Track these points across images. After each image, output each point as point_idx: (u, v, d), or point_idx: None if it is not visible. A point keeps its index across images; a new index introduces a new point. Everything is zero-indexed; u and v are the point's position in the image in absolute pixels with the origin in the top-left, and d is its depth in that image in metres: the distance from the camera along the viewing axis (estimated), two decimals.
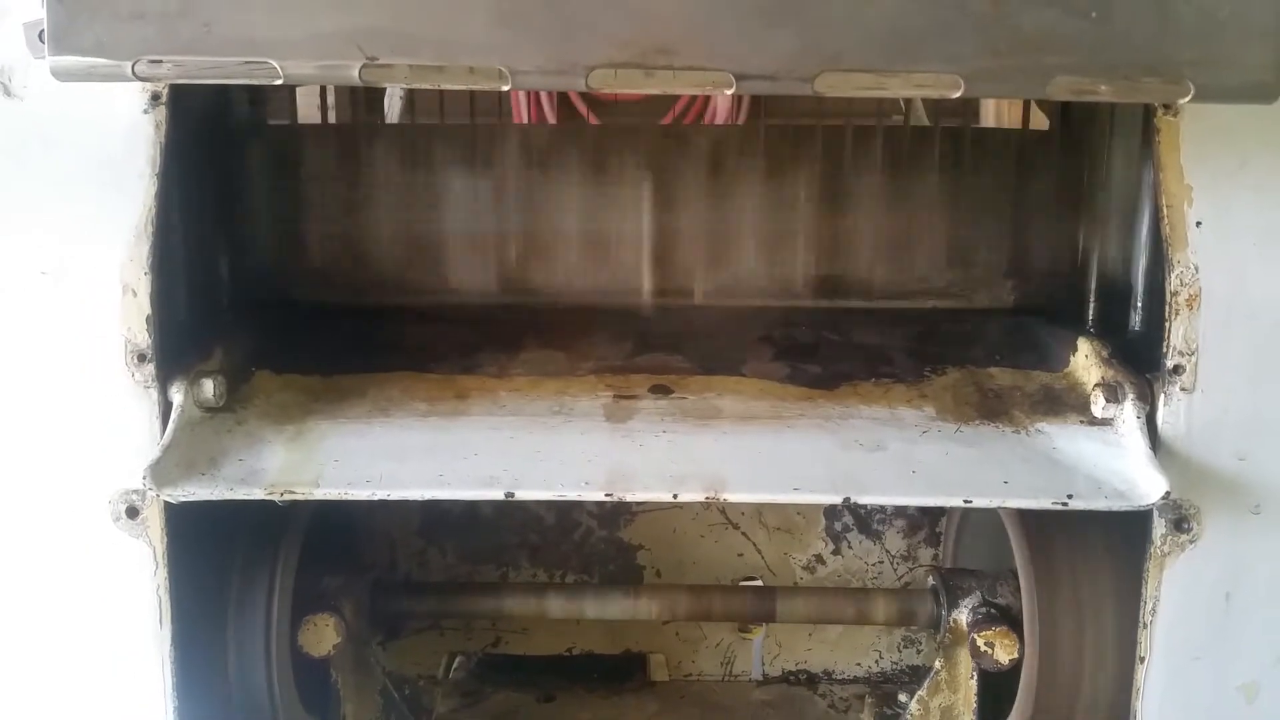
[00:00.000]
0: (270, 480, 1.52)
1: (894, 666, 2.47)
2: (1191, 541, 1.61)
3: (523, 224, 1.92)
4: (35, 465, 1.60)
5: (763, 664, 2.45)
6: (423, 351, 1.84)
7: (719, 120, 2.59)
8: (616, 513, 2.40)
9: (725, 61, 1.34)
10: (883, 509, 2.41)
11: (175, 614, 1.61)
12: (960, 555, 2.32)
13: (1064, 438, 1.63)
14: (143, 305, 1.55)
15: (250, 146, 1.89)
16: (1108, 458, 1.58)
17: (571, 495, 1.53)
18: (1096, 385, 1.65)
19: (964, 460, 1.60)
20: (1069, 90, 1.36)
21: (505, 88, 1.34)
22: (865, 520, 2.42)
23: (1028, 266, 1.89)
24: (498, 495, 1.51)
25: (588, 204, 1.94)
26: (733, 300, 1.97)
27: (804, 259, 1.93)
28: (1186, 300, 1.58)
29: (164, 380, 1.58)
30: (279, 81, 1.34)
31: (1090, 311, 1.86)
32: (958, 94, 1.35)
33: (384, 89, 1.99)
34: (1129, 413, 1.60)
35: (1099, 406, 1.63)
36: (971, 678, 1.84)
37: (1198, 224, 1.58)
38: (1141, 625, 1.63)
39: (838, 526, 2.42)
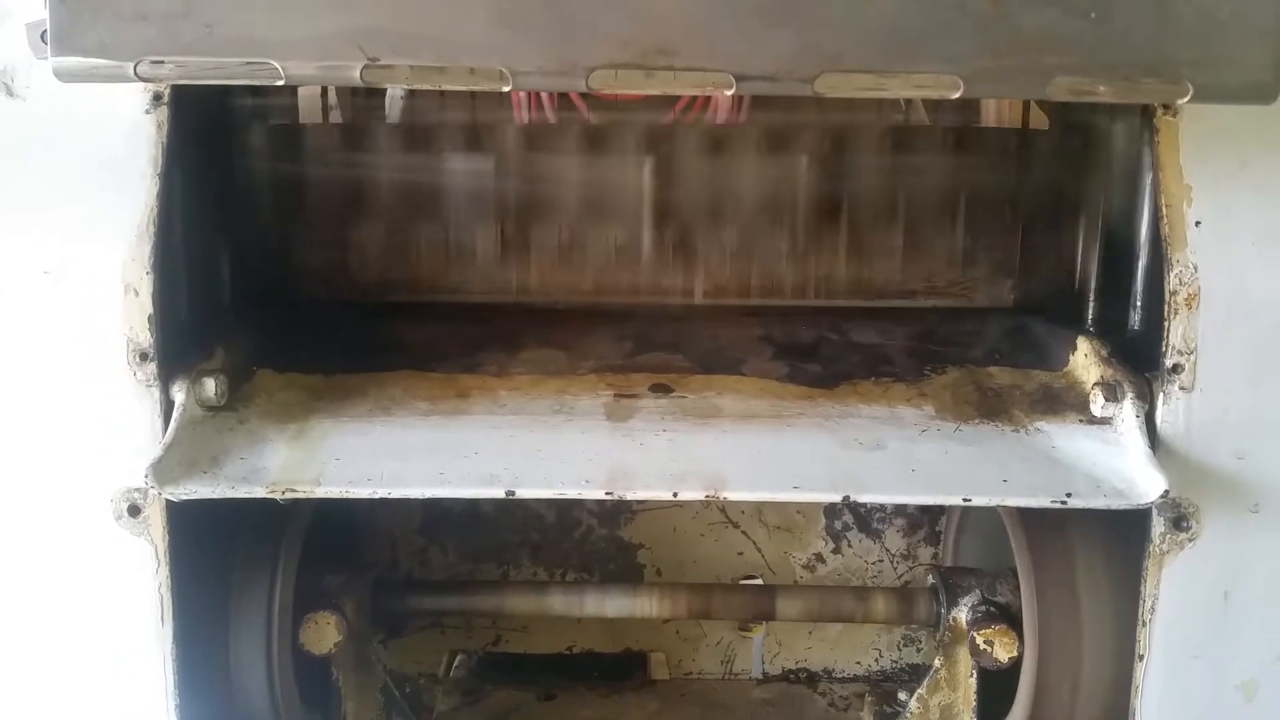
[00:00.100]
0: (272, 478, 1.52)
1: (894, 665, 2.47)
2: (1190, 540, 1.61)
3: (523, 225, 1.92)
4: (37, 464, 1.60)
5: (763, 662, 2.46)
6: (424, 350, 1.85)
7: (720, 120, 2.59)
8: (617, 511, 2.41)
9: (725, 62, 1.35)
10: (882, 508, 2.41)
11: (177, 612, 1.61)
12: (960, 554, 2.33)
13: (1063, 436, 1.64)
14: (144, 304, 1.56)
15: (251, 146, 1.89)
16: (1107, 456, 1.58)
17: (572, 493, 1.54)
18: (1096, 384, 1.65)
19: (963, 459, 1.60)
20: (1068, 91, 1.36)
21: (506, 88, 1.35)
22: (865, 519, 2.43)
23: (1027, 266, 1.89)
24: (498, 493, 1.52)
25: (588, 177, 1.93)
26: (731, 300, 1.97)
27: (802, 258, 1.93)
28: (1185, 300, 1.58)
29: (166, 379, 1.58)
30: (280, 82, 1.35)
31: (1089, 311, 1.87)
32: (957, 94, 1.35)
33: (385, 89, 1.99)
34: (1128, 412, 1.61)
35: (1098, 405, 1.63)
36: (971, 676, 1.84)
37: (1197, 224, 1.58)
38: (1140, 623, 1.63)
39: (838, 525, 2.43)
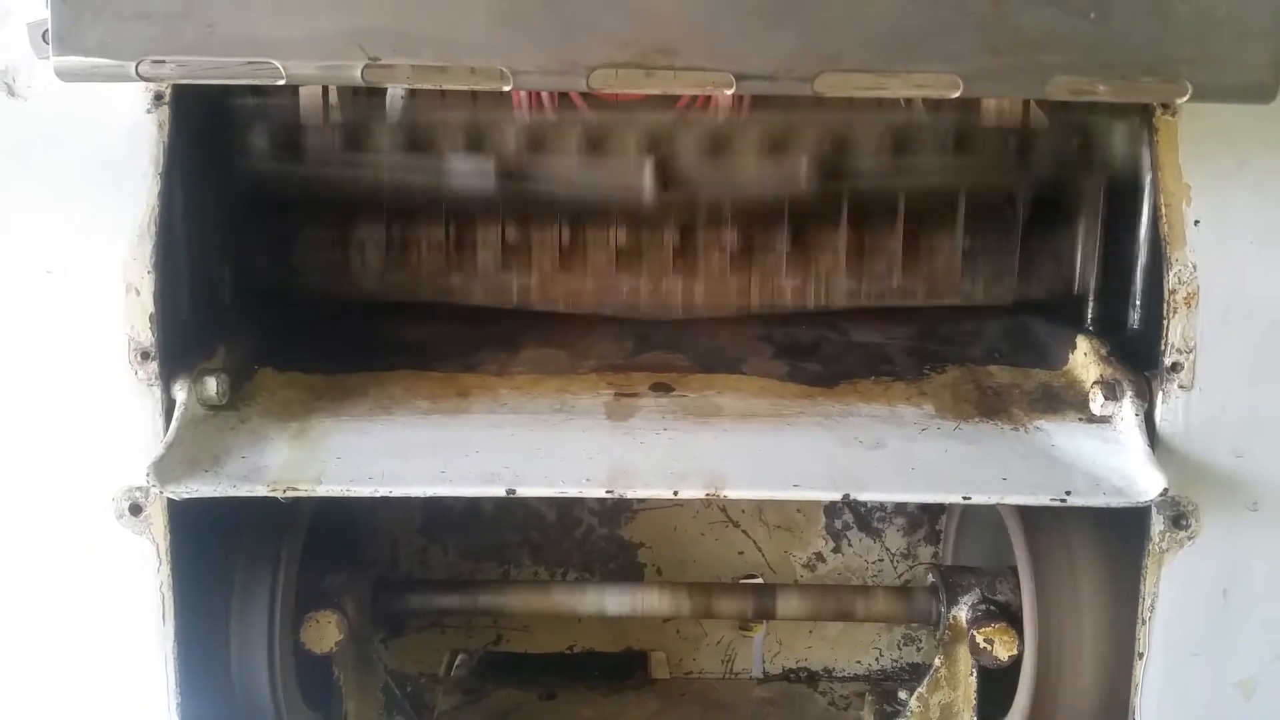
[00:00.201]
0: (273, 477, 1.53)
1: (894, 664, 2.48)
2: (1190, 538, 1.62)
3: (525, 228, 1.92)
4: (39, 463, 1.61)
5: (763, 661, 2.46)
6: (424, 350, 1.85)
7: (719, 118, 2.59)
8: (617, 510, 2.41)
9: (725, 61, 1.35)
10: (882, 506, 2.41)
11: (178, 611, 1.61)
12: (960, 553, 2.33)
13: (1062, 435, 1.64)
14: (146, 304, 1.56)
15: (252, 146, 1.89)
16: (1106, 455, 1.58)
17: (573, 492, 1.54)
18: (1095, 383, 1.66)
19: (963, 457, 1.61)
20: (1067, 90, 1.37)
21: (507, 88, 1.35)
22: (865, 518, 2.43)
23: (1026, 264, 1.89)
24: (499, 492, 1.52)
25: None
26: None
27: (803, 259, 1.92)
28: (1184, 298, 1.58)
29: (167, 378, 1.58)
30: (282, 82, 1.35)
31: (1089, 310, 1.87)
32: (957, 94, 1.35)
33: (386, 88, 1.99)
34: (1127, 410, 1.61)
35: (1097, 404, 1.64)
36: (971, 674, 1.84)
37: (1196, 223, 1.59)
38: (1140, 622, 1.64)
39: (838, 524, 2.43)
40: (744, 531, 2.42)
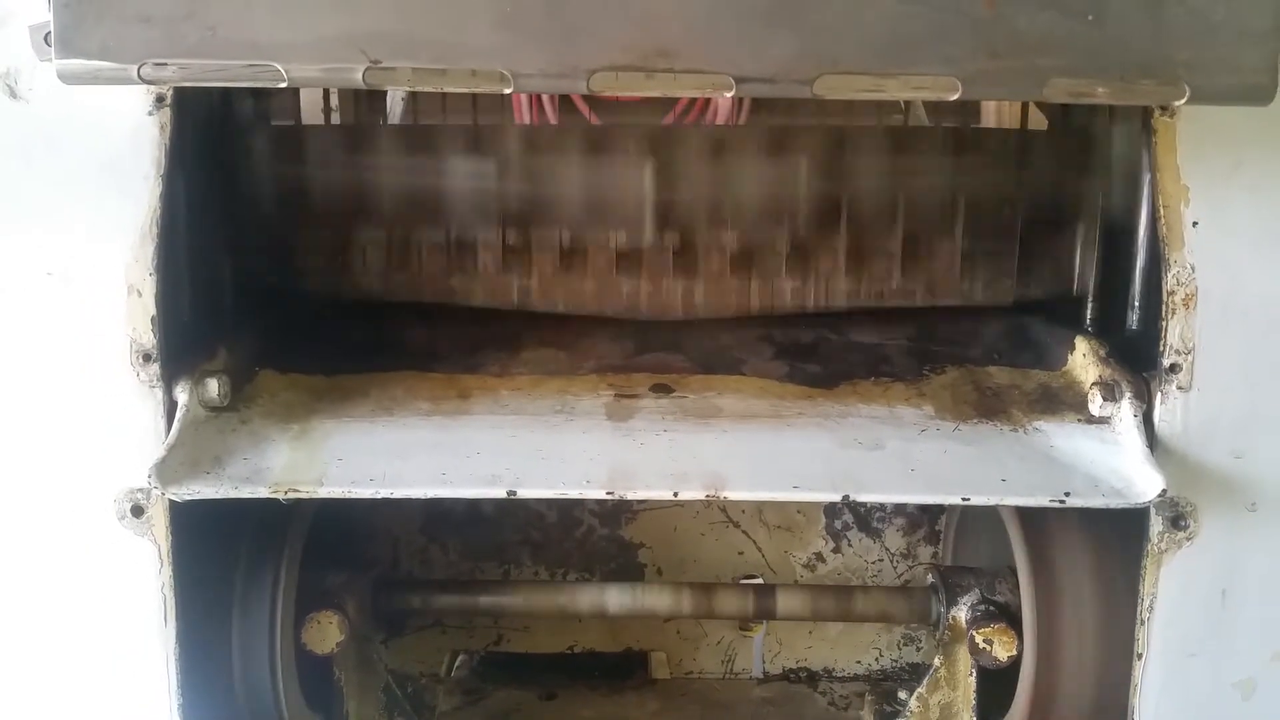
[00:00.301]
0: (274, 479, 1.53)
1: (894, 664, 2.48)
2: (1188, 539, 1.62)
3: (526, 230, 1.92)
4: (41, 464, 1.61)
5: (763, 662, 2.47)
6: (425, 351, 1.85)
7: (719, 121, 2.59)
8: (618, 511, 2.41)
9: (725, 64, 1.36)
10: (882, 507, 2.42)
11: (180, 612, 1.62)
12: (959, 553, 2.34)
13: (1061, 436, 1.64)
14: (147, 305, 1.56)
15: (253, 148, 1.90)
16: (1105, 456, 1.59)
17: (573, 493, 1.54)
18: (1094, 384, 1.66)
19: (962, 458, 1.61)
20: (1066, 92, 1.37)
21: (507, 90, 1.35)
22: (865, 518, 2.43)
23: (1026, 266, 1.90)
24: (500, 493, 1.53)
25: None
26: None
27: (802, 260, 1.93)
28: (1183, 300, 1.59)
29: (169, 380, 1.59)
30: (283, 84, 1.36)
31: (1088, 311, 1.87)
32: (955, 96, 1.36)
33: (387, 91, 1.99)
34: (1126, 411, 1.61)
35: (1096, 405, 1.64)
36: (970, 675, 1.85)
37: (1194, 224, 1.59)
38: (1139, 622, 1.64)
39: (838, 524, 2.43)
40: (744, 532, 2.43)
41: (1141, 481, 1.53)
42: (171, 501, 1.56)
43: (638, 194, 1.88)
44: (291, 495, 1.53)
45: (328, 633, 1.81)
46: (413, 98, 1.92)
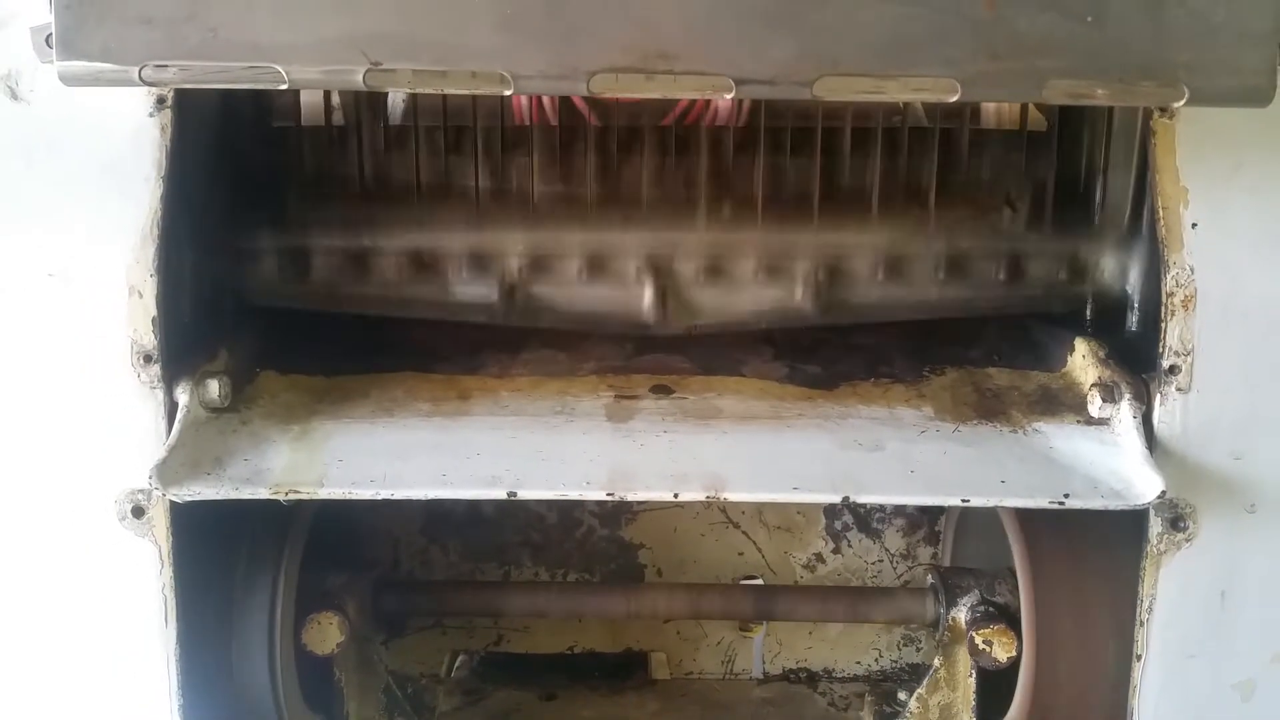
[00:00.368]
0: (275, 480, 1.53)
1: (893, 665, 2.48)
2: (1187, 540, 1.62)
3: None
4: (41, 465, 1.61)
5: (763, 662, 2.47)
6: (425, 352, 1.86)
7: (719, 122, 2.59)
8: (618, 512, 2.42)
9: (725, 66, 1.36)
10: (882, 508, 2.42)
11: (180, 612, 1.62)
12: (959, 553, 2.34)
13: (1061, 437, 1.65)
14: (148, 307, 1.57)
15: (254, 149, 1.90)
16: (1104, 457, 1.59)
17: (573, 494, 1.55)
18: (1093, 385, 1.66)
19: (962, 460, 1.61)
20: (1065, 94, 1.37)
21: (508, 92, 1.36)
22: (865, 519, 2.43)
23: (1025, 267, 1.90)
24: (500, 494, 1.53)
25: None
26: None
27: (801, 254, 1.92)
28: (1182, 301, 1.59)
29: (169, 381, 1.59)
30: (284, 86, 1.36)
31: (1087, 312, 1.87)
32: (955, 98, 1.36)
33: (388, 92, 1.99)
34: (1125, 412, 1.61)
35: (1096, 406, 1.64)
36: (970, 676, 1.85)
37: (1193, 226, 1.59)
38: (1138, 623, 1.64)
39: (838, 525, 2.44)
40: (744, 532, 2.43)
41: (1141, 483, 1.53)
42: (172, 502, 1.56)
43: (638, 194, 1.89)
44: (292, 496, 1.53)
45: (328, 633, 1.82)
46: (413, 98, 1.92)
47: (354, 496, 1.53)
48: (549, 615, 2.06)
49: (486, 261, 1.87)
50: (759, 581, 2.42)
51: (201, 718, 1.67)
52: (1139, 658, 1.65)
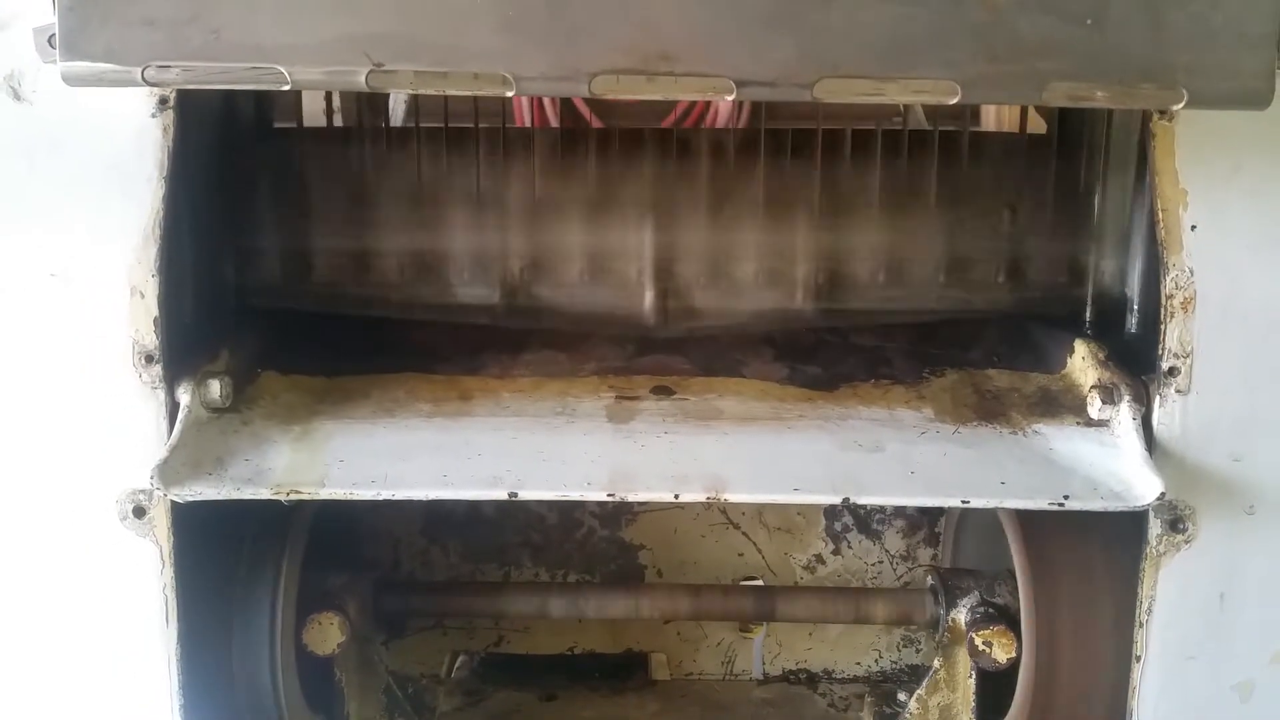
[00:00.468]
0: (276, 480, 1.54)
1: (893, 666, 2.48)
2: (1187, 542, 1.63)
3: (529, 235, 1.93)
4: (43, 465, 1.61)
5: (763, 663, 2.47)
6: (427, 353, 1.86)
7: (719, 123, 2.60)
8: (618, 513, 2.42)
9: (726, 68, 1.36)
10: (882, 509, 2.42)
11: (181, 612, 1.62)
12: (959, 555, 2.34)
13: (1061, 439, 1.65)
14: (150, 307, 1.57)
15: (256, 149, 1.90)
16: (1104, 459, 1.59)
17: (574, 495, 1.55)
18: (1093, 387, 1.66)
19: (962, 461, 1.61)
20: (1065, 96, 1.37)
21: (509, 93, 1.36)
22: (865, 520, 2.44)
23: (1025, 269, 1.90)
24: (501, 495, 1.53)
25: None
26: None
27: (802, 256, 1.93)
28: (1182, 303, 1.59)
29: (171, 381, 1.59)
30: (286, 87, 1.36)
31: (1087, 314, 1.88)
32: (955, 100, 1.36)
33: (389, 93, 2.00)
34: (1125, 414, 1.62)
35: (1095, 408, 1.64)
36: (970, 677, 1.85)
37: (1193, 228, 1.60)
38: (1138, 625, 1.65)
39: (838, 526, 2.44)
40: (744, 533, 2.43)
41: (1140, 484, 1.53)
42: (173, 502, 1.56)
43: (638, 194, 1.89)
44: (293, 496, 1.53)
45: (329, 634, 1.82)
46: (414, 99, 1.92)
47: (355, 497, 1.53)
48: (549, 616, 2.06)
49: (488, 262, 1.88)
50: (759, 582, 2.42)
51: (202, 718, 1.67)
52: (1138, 659, 1.65)
